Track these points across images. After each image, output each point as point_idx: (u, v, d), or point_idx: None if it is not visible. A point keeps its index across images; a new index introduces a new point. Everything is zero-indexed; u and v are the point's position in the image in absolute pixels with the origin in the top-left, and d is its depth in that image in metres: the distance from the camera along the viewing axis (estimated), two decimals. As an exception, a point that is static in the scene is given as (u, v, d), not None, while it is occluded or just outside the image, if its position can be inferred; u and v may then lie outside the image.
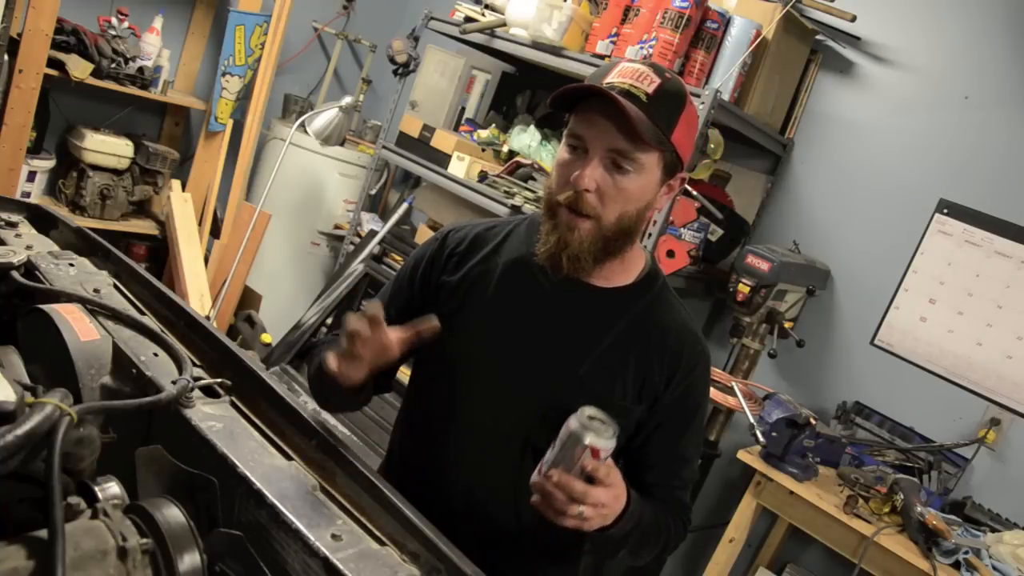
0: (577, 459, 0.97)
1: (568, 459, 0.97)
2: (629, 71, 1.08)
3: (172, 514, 0.67)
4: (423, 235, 3.27)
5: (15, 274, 1.02)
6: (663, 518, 1.19)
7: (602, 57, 2.54)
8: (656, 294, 1.22)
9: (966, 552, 2.01)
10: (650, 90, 1.07)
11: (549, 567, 1.26)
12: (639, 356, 1.17)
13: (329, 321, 3.27)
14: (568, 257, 1.12)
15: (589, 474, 0.97)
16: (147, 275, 1.14)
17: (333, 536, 0.71)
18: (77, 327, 0.89)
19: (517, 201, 2.63)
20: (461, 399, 1.21)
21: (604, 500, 0.99)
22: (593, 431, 0.96)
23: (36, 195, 3.22)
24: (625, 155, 1.07)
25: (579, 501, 0.97)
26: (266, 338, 3.54)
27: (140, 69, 3.16)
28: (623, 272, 1.20)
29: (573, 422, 0.98)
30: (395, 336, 1.06)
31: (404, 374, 1.33)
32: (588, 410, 0.98)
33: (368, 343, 1.05)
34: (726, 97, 2.40)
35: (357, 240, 3.40)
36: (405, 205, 3.41)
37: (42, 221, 1.27)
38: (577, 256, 1.11)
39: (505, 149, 3.00)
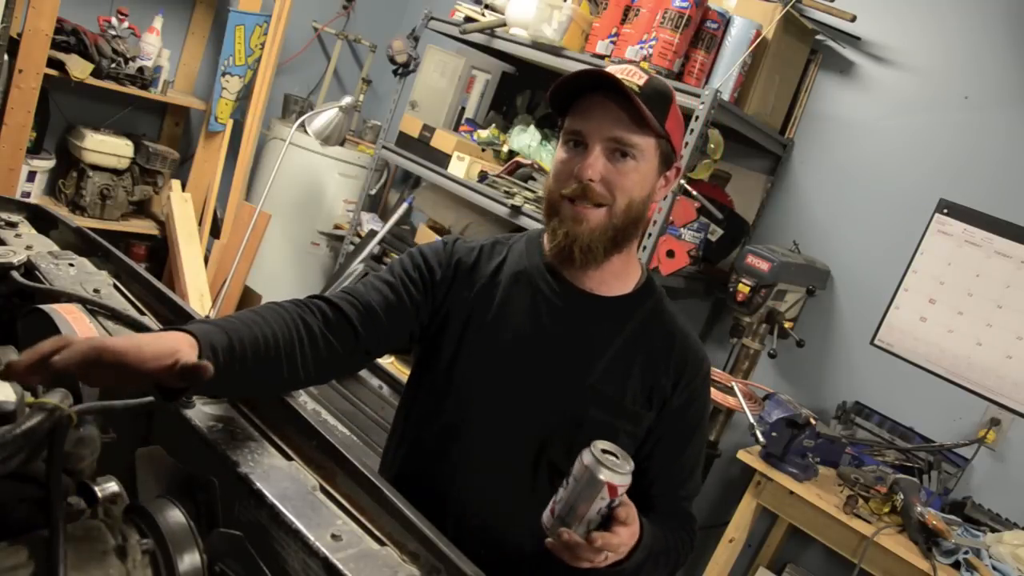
0: (594, 498, 0.91)
1: (585, 498, 0.91)
2: (618, 69, 1.13)
3: (172, 514, 0.67)
4: (423, 235, 3.27)
5: (15, 274, 1.02)
6: (672, 537, 1.18)
7: (602, 57, 2.54)
8: (655, 302, 1.24)
9: (966, 552, 2.01)
10: (640, 83, 1.11)
11: None
12: (645, 362, 1.18)
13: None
14: (580, 248, 1.12)
15: (609, 515, 0.93)
16: (147, 275, 1.14)
17: (333, 536, 0.71)
18: (77, 327, 0.89)
19: (517, 201, 2.63)
20: (472, 415, 1.18)
21: (625, 542, 0.96)
22: (608, 466, 0.89)
23: (36, 195, 3.22)
24: (625, 142, 1.10)
25: (595, 555, 0.93)
26: (266, 338, 3.53)
27: (140, 69, 3.16)
28: (622, 281, 1.22)
29: (587, 456, 0.91)
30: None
31: (403, 372, 1.31)
32: (601, 444, 0.92)
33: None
34: (726, 97, 2.40)
35: (357, 240, 3.40)
36: (405, 205, 3.41)
37: (42, 221, 1.27)
38: (588, 246, 1.12)
39: (505, 149, 3.00)
